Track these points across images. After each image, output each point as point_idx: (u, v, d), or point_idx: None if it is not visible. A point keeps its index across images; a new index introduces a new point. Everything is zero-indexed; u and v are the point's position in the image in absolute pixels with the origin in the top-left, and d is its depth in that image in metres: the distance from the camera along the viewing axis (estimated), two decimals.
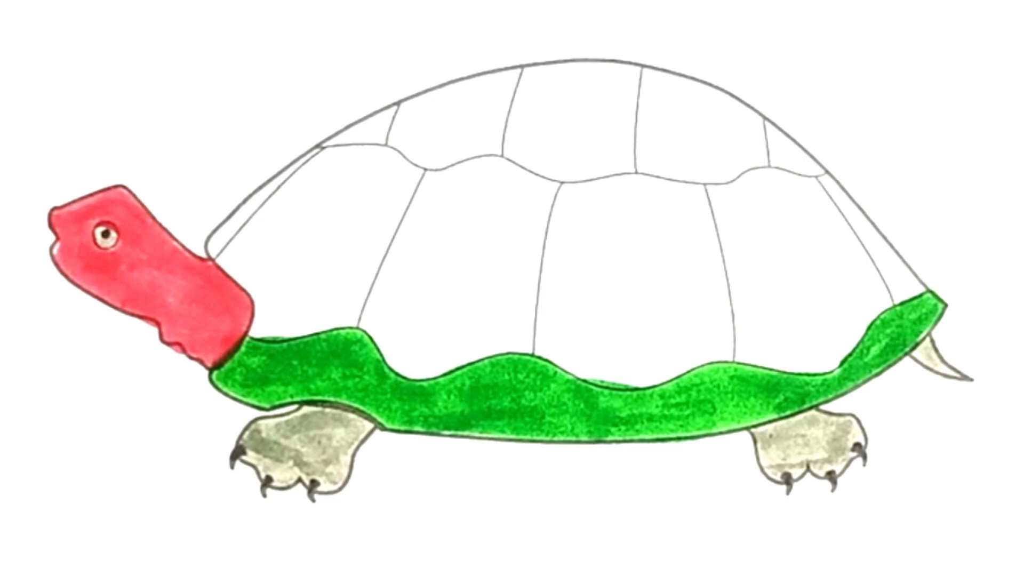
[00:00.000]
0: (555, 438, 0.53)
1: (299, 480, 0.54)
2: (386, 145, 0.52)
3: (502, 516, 0.54)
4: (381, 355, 0.52)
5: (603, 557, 0.55)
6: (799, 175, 0.55)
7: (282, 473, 0.54)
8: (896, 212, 0.56)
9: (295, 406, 0.53)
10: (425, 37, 0.52)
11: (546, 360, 0.53)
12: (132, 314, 0.51)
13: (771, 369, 0.54)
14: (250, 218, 0.52)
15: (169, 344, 0.52)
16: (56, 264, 0.50)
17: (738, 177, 0.54)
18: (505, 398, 0.53)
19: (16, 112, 0.49)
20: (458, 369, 0.52)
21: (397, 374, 0.52)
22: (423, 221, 0.52)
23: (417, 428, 0.53)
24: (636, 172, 0.53)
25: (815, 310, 0.55)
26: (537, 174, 0.53)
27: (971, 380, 0.57)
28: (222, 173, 0.50)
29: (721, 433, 0.54)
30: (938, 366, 0.57)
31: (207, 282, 0.52)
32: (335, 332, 0.52)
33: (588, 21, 0.53)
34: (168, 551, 0.54)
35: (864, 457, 0.56)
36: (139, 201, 0.51)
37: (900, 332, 0.56)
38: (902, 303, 0.56)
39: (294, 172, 0.52)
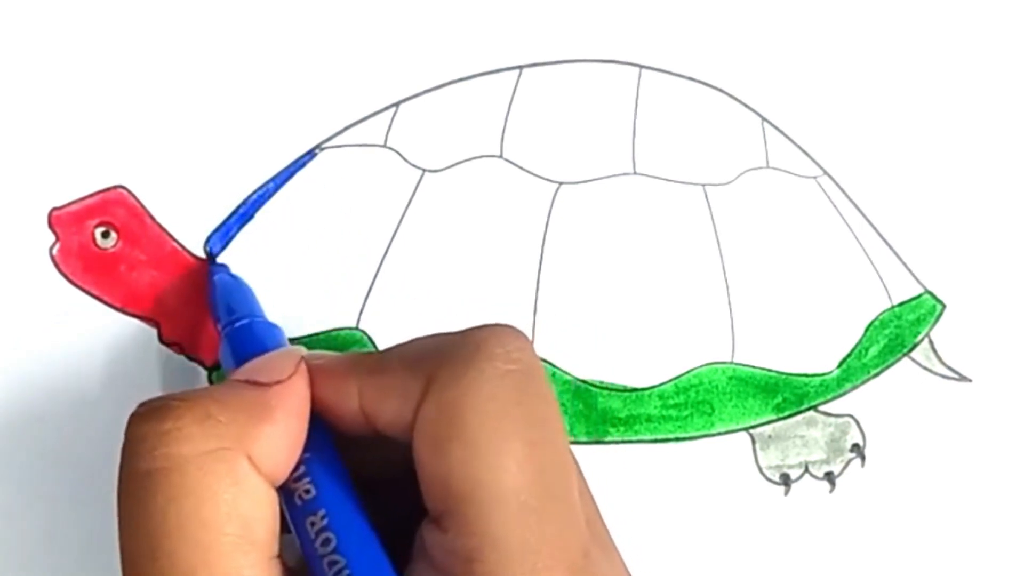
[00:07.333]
0: None
1: None
2: (385, 146, 0.52)
3: None
4: None
5: None
6: (798, 176, 0.55)
7: None
8: (894, 213, 0.56)
9: None
10: (424, 37, 0.52)
11: (545, 360, 0.53)
12: (132, 314, 0.51)
13: (769, 370, 0.54)
14: (250, 218, 0.52)
15: (169, 344, 0.52)
16: (56, 264, 0.50)
17: (737, 178, 0.54)
18: None
19: (16, 112, 0.49)
20: None
21: None
22: (422, 222, 0.52)
23: None
24: (635, 173, 0.53)
25: (813, 311, 0.55)
26: (536, 175, 0.53)
27: (969, 381, 0.57)
28: (222, 173, 0.51)
29: (719, 434, 0.54)
30: (936, 367, 0.57)
31: (207, 282, 0.52)
32: (335, 332, 0.52)
33: (587, 21, 0.53)
34: None
35: (863, 458, 0.56)
36: (139, 202, 0.51)
37: (898, 333, 0.56)
38: (900, 304, 0.56)
39: (293, 173, 0.52)
